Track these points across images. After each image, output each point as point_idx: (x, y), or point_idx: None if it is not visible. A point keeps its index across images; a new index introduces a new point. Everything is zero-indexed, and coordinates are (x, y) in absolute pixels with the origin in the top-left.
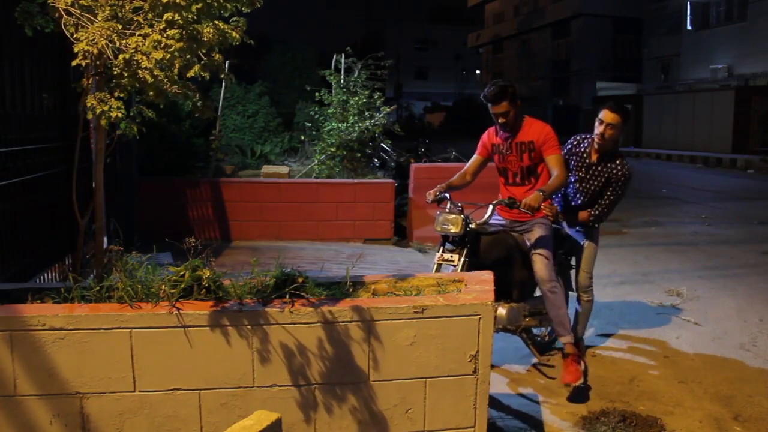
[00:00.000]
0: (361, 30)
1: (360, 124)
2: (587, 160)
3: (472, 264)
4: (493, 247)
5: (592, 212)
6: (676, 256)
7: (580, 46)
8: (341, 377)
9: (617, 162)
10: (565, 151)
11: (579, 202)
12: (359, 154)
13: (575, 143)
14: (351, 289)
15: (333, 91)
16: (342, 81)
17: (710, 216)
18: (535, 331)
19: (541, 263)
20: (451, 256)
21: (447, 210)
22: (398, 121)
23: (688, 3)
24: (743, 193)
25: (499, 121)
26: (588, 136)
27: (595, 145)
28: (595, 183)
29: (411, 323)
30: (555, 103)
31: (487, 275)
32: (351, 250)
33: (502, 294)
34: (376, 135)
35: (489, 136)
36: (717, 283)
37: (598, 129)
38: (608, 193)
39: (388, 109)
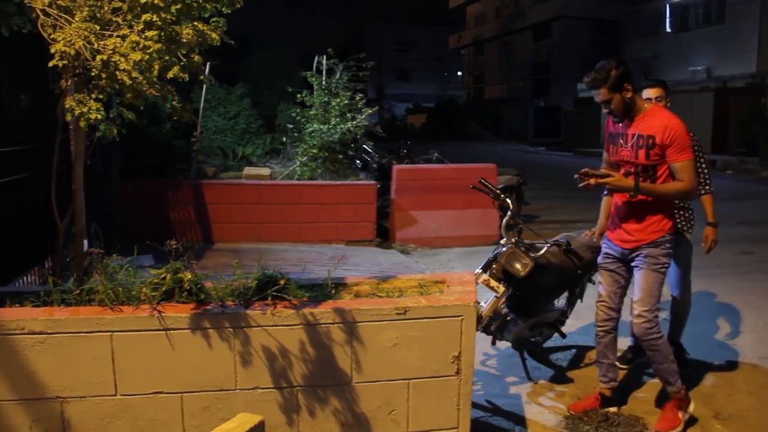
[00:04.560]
0: (343, 32)
1: (342, 126)
2: None
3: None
4: (537, 278)
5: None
6: None
7: (560, 48)
8: (324, 379)
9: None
10: None
11: None
12: (341, 156)
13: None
14: (333, 291)
15: (314, 92)
16: (323, 82)
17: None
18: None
19: (639, 318)
20: (498, 287)
21: (520, 246)
22: (380, 123)
23: (668, 5)
24: (722, 194)
25: (604, 110)
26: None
27: None
28: None
29: (393, 325)
30: (536, 105)
31: (469, 276)
32: (333, 252)
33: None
34: (358, 136)
35: (608, 123)
36: (696, 283)
37: None
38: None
39: (370, 111)
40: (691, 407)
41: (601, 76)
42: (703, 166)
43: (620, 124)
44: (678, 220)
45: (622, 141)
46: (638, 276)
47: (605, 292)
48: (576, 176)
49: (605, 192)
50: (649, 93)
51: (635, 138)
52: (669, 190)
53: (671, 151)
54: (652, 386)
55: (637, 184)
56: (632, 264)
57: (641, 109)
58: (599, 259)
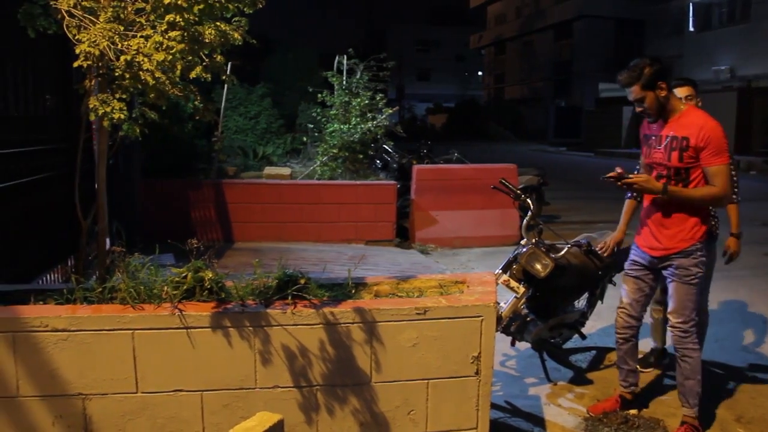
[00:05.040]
0: (363, 31)
1: (362, 126)
2: None
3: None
4: (557, 279)
5: None
6: None
7: (582, 48)
8: (343, 379)
9: None
10: None
11: None
12: (361, 156)
13: None
14: (353, 291)
15: (335, 92)
16: (344, 82)
17: None
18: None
19: (673, 328)
20: (518, 288)
21: (540, 246)
22: (400, 123)
23: (691, 4)
24: (746, 195)
25: (637, 109)
26: None
27: None
28: None
29: (413, 324)
30: (557, 105)
31: (489, 276)
32: (353, 252)
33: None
34: (378, 136)
35: (643, 124)
36: (719, 285)
37: None
38: None
39: (390, 111)
40: None
41: (635, 74)
42: (733, 172)
43: (654, 125)
44: None
45: (655, 142)
46: (670, 288)
47: (627, 300)
48: (612, 174)
49: (628, 194)
50: (678, 92)
51: (669, 139)
52: (698, 195)
53: (705, 154)
54: (673, 389)
55: (665, 187)
56: (663, 273)
57: (676, 110)
58: (626, 265)
